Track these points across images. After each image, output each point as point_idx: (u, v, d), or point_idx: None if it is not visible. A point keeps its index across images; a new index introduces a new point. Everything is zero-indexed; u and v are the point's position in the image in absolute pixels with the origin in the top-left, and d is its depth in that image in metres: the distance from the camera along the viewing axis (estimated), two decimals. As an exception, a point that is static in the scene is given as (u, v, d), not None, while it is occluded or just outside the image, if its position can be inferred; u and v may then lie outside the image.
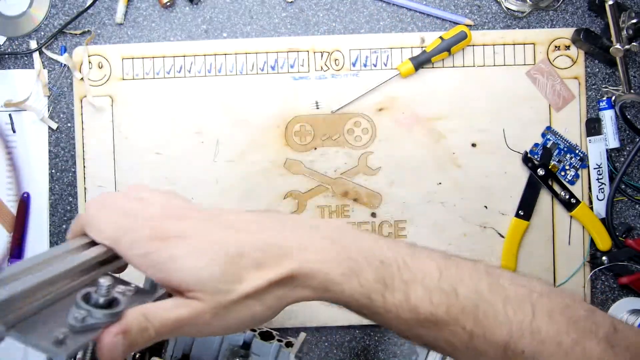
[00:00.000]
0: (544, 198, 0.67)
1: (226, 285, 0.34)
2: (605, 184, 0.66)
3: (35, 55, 0.66)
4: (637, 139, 0.65)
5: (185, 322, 0.33)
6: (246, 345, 0.49)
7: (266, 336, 0.50)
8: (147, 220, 0.36)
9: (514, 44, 0.66)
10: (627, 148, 0.67)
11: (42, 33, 0.67)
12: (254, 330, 0.50)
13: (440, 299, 0.36)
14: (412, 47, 0.66)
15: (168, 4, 0.66)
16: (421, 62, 0.65)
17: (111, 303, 0.32)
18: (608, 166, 0.66)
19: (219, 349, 0.49)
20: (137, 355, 0.49)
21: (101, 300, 0.32)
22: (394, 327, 0.38)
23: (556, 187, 0.66)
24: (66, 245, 0.36)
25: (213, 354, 0.49)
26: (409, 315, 0.36)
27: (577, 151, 0.66)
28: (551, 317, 0.36)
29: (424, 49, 0.65)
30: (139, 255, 0.34)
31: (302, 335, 0.52)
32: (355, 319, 0.65)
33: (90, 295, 0.32)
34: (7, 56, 0.67)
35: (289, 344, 0.49)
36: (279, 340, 0.49)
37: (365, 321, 0.67)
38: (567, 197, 0.66)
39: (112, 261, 0.36)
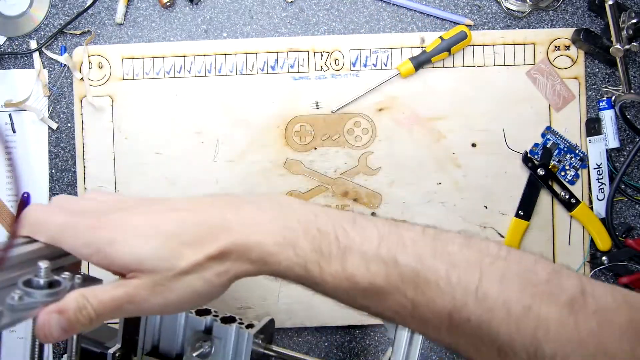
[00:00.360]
0: (544, 198, 0.67)
1: (164, 263, 0.34)
2: (605, 184, 0.66)
3: (35, 55, 0.66)
4: (637, 139, 0.65)
5: (124, 300, 0.34)
6: (208, 330, 0.49)
7: (228, 320, 0.50)
8: (92, 213, 0.36)
9: (514, 44, 0.66)
10: (627, 148, 0.67)
11: (42, 33, 0.67)
12: (217, 316, 0.50)
13: (378, 267, 0.35)
14: (412, 47, 0.66)
15: (168, 4, 0.66)
16: (421, 62, 0.65)
17: (51, 285, 0.34)
18: (608, 166, 0.66)
19: (183, 336, 0.50)
20: (118, 354, 0.51)
21: (41, 282, 0.33)
22: (337, 298, 0.37)
23: (556, 187, 0.66)
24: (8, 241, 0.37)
25: (178, 342, 0.50)
26: (347, 285, 0.35)
27: (577, 151, 0.66)
28: (502, 283, 0.34)
29: (424, 49, 0.66)
30: (81, 245, 0.35)
31: (266, 318, 0.52)
32: (355, 319, 0.65)
33: (32, 279, 0.33)
34: (7, 56, 0.67)
35: (250, 326, 0.50)
36: (240, 323, 0.50)
37: (366, 321, 0.67)
38: (567, 197, 0.66)
39: (62, 256, 0.37)
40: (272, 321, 0.52)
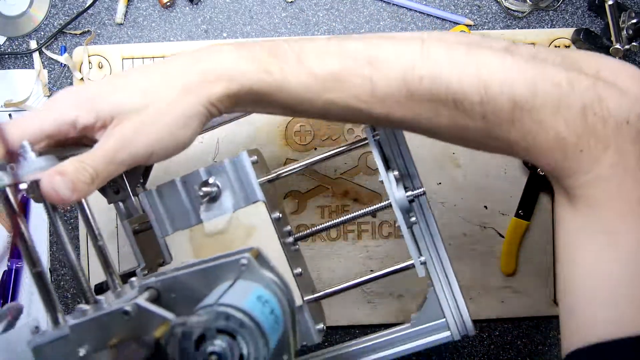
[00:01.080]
0: (544, 198, 0.67)
1: (140, 104, 0.39)
2: (605, 184, 0.66)
3: (35, 55, 0.67)
4: (637, 139, 0.65)
5: (114, 148, 0.39)
6: (209, 175, 0.50)
7: None
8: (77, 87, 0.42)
9: (514, 44, 0.66)
10: (627, 148, 0.67)
11: (42, 33, 0.67)
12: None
13: (331, 56, 0.40)
14: (412, 47, 0.66)
15: (168, 4, 0.66)
16: (421, 62, 0.65)
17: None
18: (608, 166, 0.66)
19: (190, 200, 0.50)
20: (146, 272, 0.51)
21: (30, 153, 0.37)
22: (301, 100, 0.41)
23: (556, 187, 0.66)
24: None
25: (190, 209, 0.50)
26: (308, 80, 0.40)
27: (577, 151, 0.66)
28: (441, 42, 0.40)
29: (424, 49, 0.65)
30: (69, 106, 0.39)
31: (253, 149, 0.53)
32: (355, 319, 0.65)
33: (22, 152, 0.37)
34: (7, 56, 0.67)
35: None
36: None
37: (366, 321, 0.67)
38: (567, 197, 0.66)
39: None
40: (257, 151, 0.53)
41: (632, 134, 0.37)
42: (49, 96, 0.66)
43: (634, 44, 0.62)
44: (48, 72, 0.67)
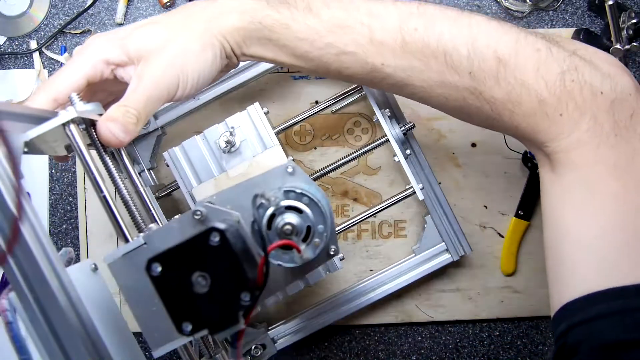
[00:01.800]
0: (544, 198, 0.67)
1: (164, 41, 0.43)
2: (605, 184, 0.66)
3: (35, 55, 0.67)
4: (637, 139, 0.65)
5: (149, 88, 0.42)
6: (226, 128, 0.54)
7: None
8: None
9: (513, 44, 0.66)
10: (627, 148, 0.67)
11: (42, 33, 0.67)
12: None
13: (337, 5, 0.44)
14: (412, 47, 0.66)
15: (168, 4, 0.66)
16: (421, 62, 0.65)
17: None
18: (608, 166, 0.66)
19: (212, 152, 0.55)
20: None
21: (78, 100, 0.41)
22: (304, 38, 0.44)
23: (556, 187, 0.66)
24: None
25: (213, 164, 0.55)
26: (313, 21, 0.44)
27: (577, 151, 0.66)
28: (437, 6, 0.44)
29: (424, 49, 0.65)
30: (104, 41, 0.44)
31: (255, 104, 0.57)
32: (355, 319, 0.65)
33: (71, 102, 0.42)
34: (7, 56, 0.67)
35: None
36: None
37: (365, 321, 0.67)
38: (567, 197, 0.66)
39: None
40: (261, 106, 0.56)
41: (606, 104, 0.41)
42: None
43: (634, 44, 0.62)
44: (48, 72, 0.67)
